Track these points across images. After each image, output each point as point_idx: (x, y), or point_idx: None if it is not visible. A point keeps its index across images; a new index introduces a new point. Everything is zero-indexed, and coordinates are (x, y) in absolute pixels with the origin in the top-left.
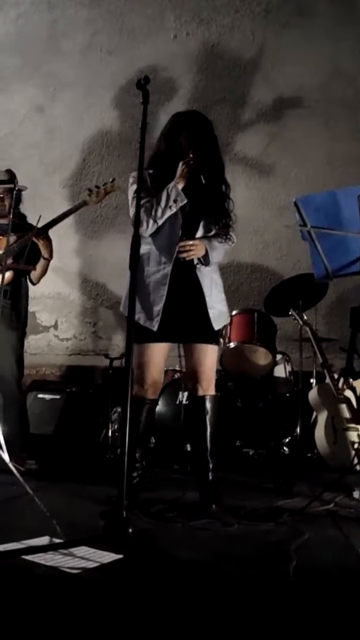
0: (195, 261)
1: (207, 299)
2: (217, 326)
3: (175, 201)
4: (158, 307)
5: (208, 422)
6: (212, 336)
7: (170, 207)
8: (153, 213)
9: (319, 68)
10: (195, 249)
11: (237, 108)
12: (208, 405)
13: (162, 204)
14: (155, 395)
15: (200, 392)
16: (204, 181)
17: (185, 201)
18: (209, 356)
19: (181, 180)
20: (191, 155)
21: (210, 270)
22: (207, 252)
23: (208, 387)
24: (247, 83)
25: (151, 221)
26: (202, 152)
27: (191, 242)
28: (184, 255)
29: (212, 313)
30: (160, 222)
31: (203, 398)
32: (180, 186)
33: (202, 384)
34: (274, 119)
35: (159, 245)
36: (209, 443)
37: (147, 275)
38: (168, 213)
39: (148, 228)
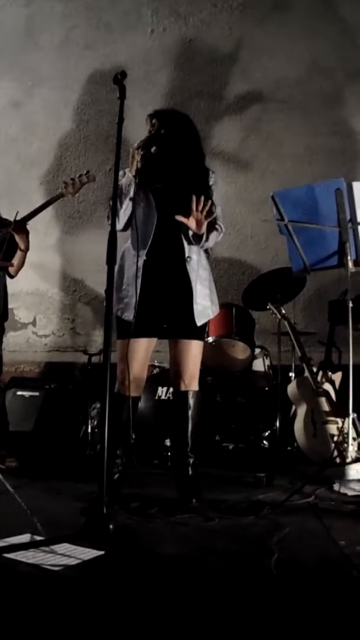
0: (186, 242)
1: (193, 293)
2: (199, 322)
3: (128, 186)
4: (133, 300)
5: (190, 418)
6: (196, 332)
7: (124, 194)
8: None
9: (296, 62)
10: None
11: (215, 102)
12: (190, 400)
13: (119, 194)
14: (137, 393)
15: (183, 388)
16: (152, 150)
17: (132, 184)
18: (191, 351)
19: (130, 166)
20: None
21: (197, 264)
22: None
23: (190, 383)
24: (225, 77)
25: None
26: (162, 138)
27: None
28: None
29: (195, 308)
30: (121, 213)
31: (185, 393)
32: (129, 173)
33: (185, 379)
34: (251, 113)
35: (134, 238)
36: (190, 439)
37: (126, 269)
38: (125, 201)
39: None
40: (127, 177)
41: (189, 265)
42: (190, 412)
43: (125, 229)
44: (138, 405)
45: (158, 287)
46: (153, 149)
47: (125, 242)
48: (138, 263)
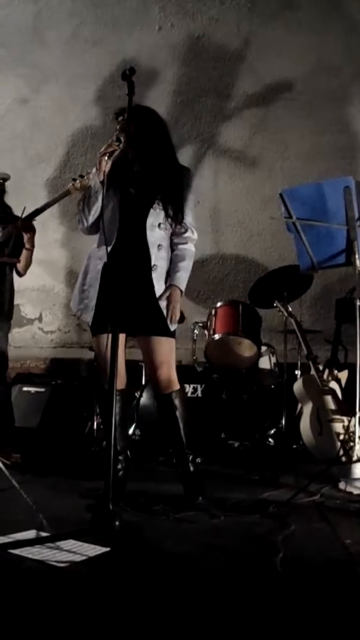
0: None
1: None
2: (173, 326)
3: (96, 193)
4: (92, 302)
5: (179, 418)
6: (165, 328)
7: (92, 201)
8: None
9: (303, 60)
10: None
11: (222, 100)
12: (175, 401)
13: (87, 197)
14: (121, 386)
15: (162, 390)
16: (132, 191)
17: (100, 191)
18: (162, 349)
19: (98, 172)
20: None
21: (164, 272)
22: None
23: (169, 385)
24: (232, 75)
25: (83, 217)
26: (134, 139)
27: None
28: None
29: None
30: (90, 217)
31: (168, 396)
32: (96, 179)
33: (161, 381)
34: (258, 111)
35: (99, 241)
36: (184, 437)
37: (91, 270)
38: (93, 207)
39: (82, 224)
40: (95, 184)
41: (155, 273)
42: (177, 413)
43: (91, 232)
44: (130, 399)
45: (122, 288)
46: (120, 145)
47: (94, 243)
48: (99, 265)
